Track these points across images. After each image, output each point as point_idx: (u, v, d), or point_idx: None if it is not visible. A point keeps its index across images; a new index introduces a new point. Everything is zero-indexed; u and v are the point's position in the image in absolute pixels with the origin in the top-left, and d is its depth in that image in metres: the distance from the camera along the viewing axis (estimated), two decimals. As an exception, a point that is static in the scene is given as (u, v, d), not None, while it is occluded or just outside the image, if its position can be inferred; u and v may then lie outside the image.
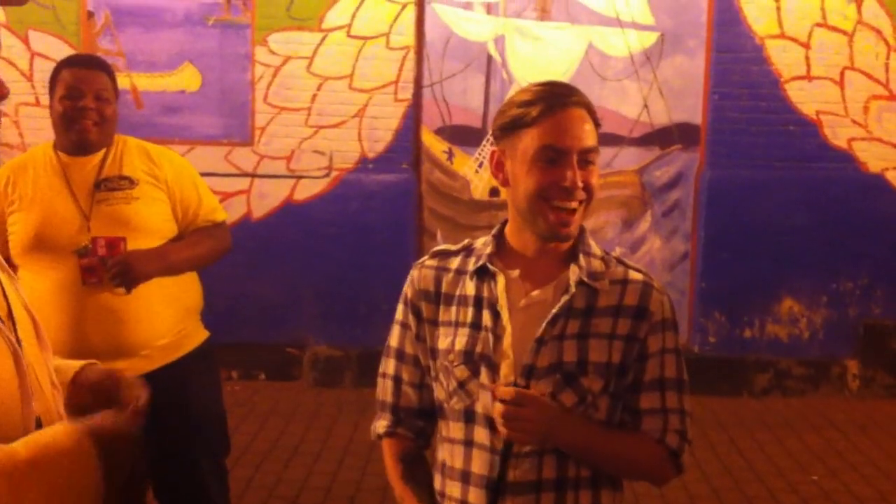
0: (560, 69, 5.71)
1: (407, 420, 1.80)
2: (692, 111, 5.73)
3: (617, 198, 5.78)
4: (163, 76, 5.59)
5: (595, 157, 1.64)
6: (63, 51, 5.28)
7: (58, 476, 1.16)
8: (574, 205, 1.62)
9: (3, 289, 1.29)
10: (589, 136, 1.62)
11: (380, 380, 1.84)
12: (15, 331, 1.26)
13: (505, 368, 1.64)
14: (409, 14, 5.61)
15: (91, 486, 1.19)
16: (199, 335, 2.86)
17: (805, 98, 5.64)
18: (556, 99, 1.62)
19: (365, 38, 5.61)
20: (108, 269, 2.58)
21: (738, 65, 5.62)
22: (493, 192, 5.76)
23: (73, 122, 2.64)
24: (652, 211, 5.78)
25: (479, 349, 1.66)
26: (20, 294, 1.35)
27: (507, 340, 1.64)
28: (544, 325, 1.63)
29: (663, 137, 5.76)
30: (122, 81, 5.01)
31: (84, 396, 1.43)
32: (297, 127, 5.65)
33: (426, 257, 1.80)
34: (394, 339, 1.81)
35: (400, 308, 1.80)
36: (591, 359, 1.63)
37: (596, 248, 1.72)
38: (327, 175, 5.68)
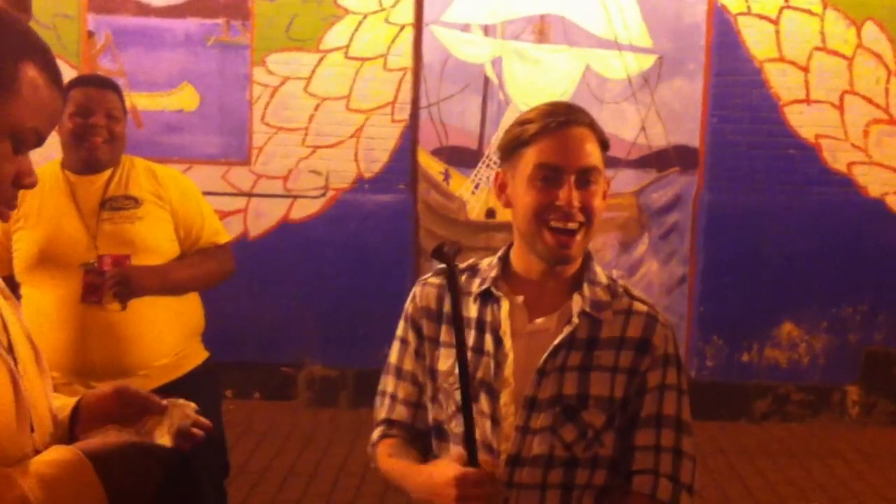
0: (557, 91, 5.70)
1: (401, 430, 1.76)
2: (691, 134, 5.71)
3: (614, 220, 5.75)
4: (162, 96, 5.62)
5: (596, 178, 1.59)
6: (63, 70, 5.28)
7: None
8: (572, 226, 1.57)
9: (3, 319, 1.27)
10: (588, 156, 1.58)
11: (377, 397, 1.81)
12: (15, 361, 1.24)
13: (505, 396, 1.61)
14: (407, 36, 5.64)
15: None
16: (200, 356, 2.86)
17: (804, 122, 5.61)
18: (554, 117, 1.59)
19: (363, 60, 5.63)
20: (107, 280, 2.58)
21: (737, 88, 5.60)
22: (490, 213, 5.74)
23: (83, 139, 2.65)
24: (649, 234, 5.75)
25: (480, 375, 1.63)
26: (21, 322, 1.33)
27: (508, 368, 1.61)
28: (545, 356, 1.59)
29: (661, 160, 5.74)
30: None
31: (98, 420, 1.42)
32: (295, 147, 5.66)
33: (430, 274, 1.76)
34: (393, 356, 1.78)
35: (401, 324, 1.77)
36: (593, 392, 1.58)
37: (602, 276, 1.67)
38: (324, 195, 5.68)
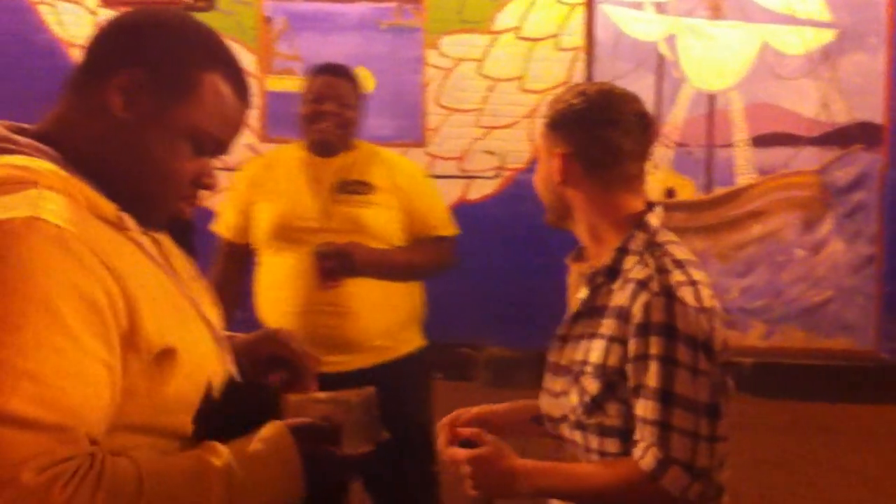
0: (733, 68, 5.59)
1: None
2: (874, 110, 5.52)
3: (796, 199, 5.59)
4: (337, 79, 5.66)
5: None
6: (242, 55, 5.40)
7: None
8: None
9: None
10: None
11: None
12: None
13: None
14: (579, 15, 5.60)
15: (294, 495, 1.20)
16: (416, 342, 2.88)
17: None
18: None
19: (535, 40, 5.61)
20: (332, 251, 2.65)
21: (921, 62, 5.42)
22: (669, 192, 5.64)
23: (314, 123, 2.76)
24: (834, 212, 5.57)
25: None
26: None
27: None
28: (564, 323, 1.65)
29: (844, 137, 5.56)
30: (298, 85, 5.10)
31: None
32: (469, 128, 5.66)
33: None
34: None
35: None
36: (591, 359, 1.57)
37: (639, 244, 1.58)
38: (498, 175, 5.66)
